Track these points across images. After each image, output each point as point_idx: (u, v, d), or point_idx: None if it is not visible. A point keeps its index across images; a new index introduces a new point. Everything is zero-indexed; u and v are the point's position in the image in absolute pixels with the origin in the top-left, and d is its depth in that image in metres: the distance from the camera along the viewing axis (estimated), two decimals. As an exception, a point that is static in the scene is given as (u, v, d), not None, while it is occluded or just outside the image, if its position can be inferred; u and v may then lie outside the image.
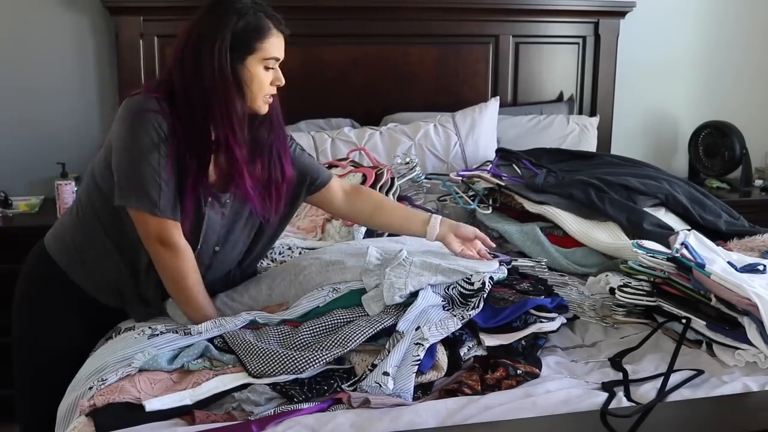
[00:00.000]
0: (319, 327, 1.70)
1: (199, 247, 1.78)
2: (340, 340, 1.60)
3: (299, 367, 1.53)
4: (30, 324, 1.86)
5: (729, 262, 1.86)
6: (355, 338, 1.61)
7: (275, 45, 1.74)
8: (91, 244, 1.80)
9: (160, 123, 1.65)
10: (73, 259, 1.82)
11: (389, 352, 1.57)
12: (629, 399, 1.50)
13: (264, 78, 1.73)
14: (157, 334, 1.68)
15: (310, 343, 1.64)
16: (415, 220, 2.00)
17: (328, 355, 1.56)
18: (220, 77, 1.67)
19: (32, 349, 1.86)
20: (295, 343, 1.65)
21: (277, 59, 1.75)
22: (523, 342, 1.71)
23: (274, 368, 1.54)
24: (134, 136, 1.65)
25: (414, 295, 1.73)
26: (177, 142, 1.67)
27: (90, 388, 1.52)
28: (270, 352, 1.57)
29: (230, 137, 1.69)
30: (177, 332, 1.68)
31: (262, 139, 1.79)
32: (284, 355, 1.55)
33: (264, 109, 1.77)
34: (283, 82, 1.77)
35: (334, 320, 1.71)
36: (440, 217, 1.99)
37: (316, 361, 1.54)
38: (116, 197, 1.68)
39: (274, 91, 1.77)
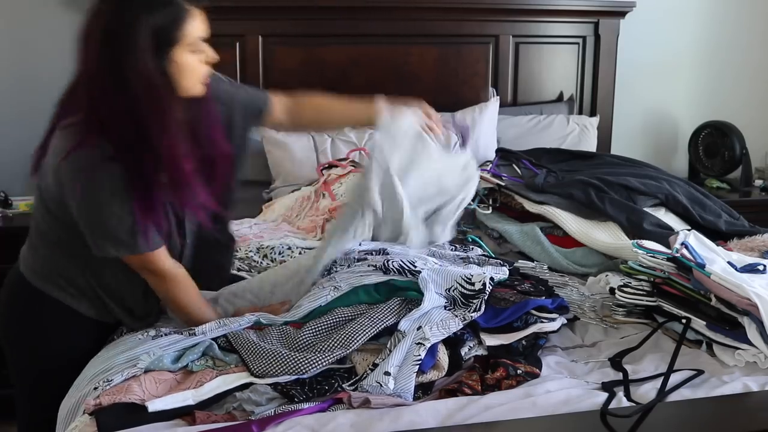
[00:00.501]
0: (321, 326, 1.70)
1: (187, 241, 1.76)
2: (343, 340, 1.60)
3: (302, 368, 1.53)
4: (22, 335, 1.81)
5: (729, 262, 1.86)
6: (358, 338, 1.61)
7: (197, 25, 1.58)
8: (83, 282, 1.75)
9: (112, 173, 1.54)
10: (66, 291, 1.76)
11: (390, 351, 1.58)
12: (629, 399, 1.50)
13: (195, 64, 1.59)
14: (161, 336, 1.68)
15: (312, 342, 1.65)
16: (360, 110, 1.95)
17: (332, 356, 1.56)
18: (148, 88, 1.51)
19: (28, 360, 1.82)
20: (297, 343, 1.65)
21: (203, 38, 1.60)
22: (523, 342, 1.71)
23: (277, 369, 1.54)
24: (90, 195, 1.56)
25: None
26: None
27: (95, 389, 1.52)
28: (273, 353, 1.57)
29: (172, 150, 1.55)
30: (182, 333, 1.68)
31: (197, 120, 1.66)
32: (287, 356, 1.55)
33: (202, 90, 1.64)
34: (217, 57, 1.63)
35: (335, 319, 1.72)
36: (382, 99, 1.91)
37: (320, 362, 1.54)
38: (93, 249, 1.63)
39: (208, 70, 1.64)
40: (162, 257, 1.67)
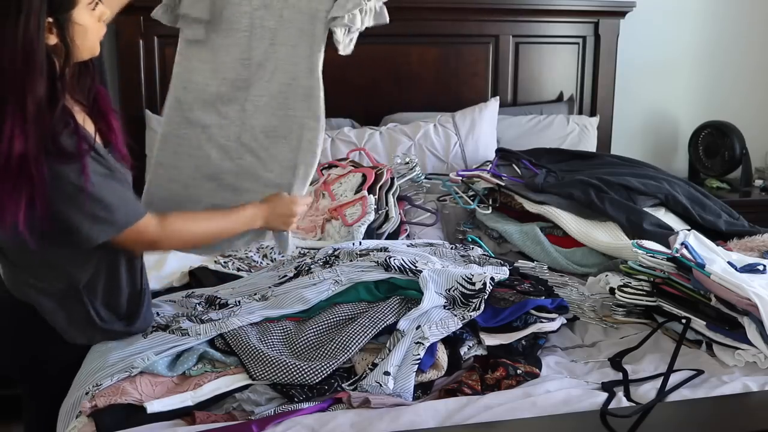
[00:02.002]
0: (322, 325, 1.70)
1: None
2: (344, 343, 1.60)
3: (306, 377, 1.52)
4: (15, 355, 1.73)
5: (729, 262, 1.86)
6: (359, 340, 1.61)
7: None
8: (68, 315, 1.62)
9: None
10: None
11: (390, 351, 1.58)
12: (629, 399, 1.50)
13: (95, 23, 1.50)
14: (152, 331, 1.67)
15: (314, 343, 1.64)
16: None
17: (334, 363, 1.56)
18: (20, 53, 1.38)
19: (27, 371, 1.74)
20: (299, 345, 1.64)
21: None
22: (523, 342, 1.71)
23: (279, 377, 1.53)
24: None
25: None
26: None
27: (86, 393, 1.51)
28: (275, 360, 1.55)
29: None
30: (173, 333, 1.66)
31: (88, 87, 1.57)
32: (290, 364, 1.54)
33: (98, 49, 1.55)
34: (108, 12, 1.55)
35: (336, 317, 1.72)
36: None
37: (322, 371, 1.53)
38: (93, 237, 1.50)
39: (105, 28, 1.55)
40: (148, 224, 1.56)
